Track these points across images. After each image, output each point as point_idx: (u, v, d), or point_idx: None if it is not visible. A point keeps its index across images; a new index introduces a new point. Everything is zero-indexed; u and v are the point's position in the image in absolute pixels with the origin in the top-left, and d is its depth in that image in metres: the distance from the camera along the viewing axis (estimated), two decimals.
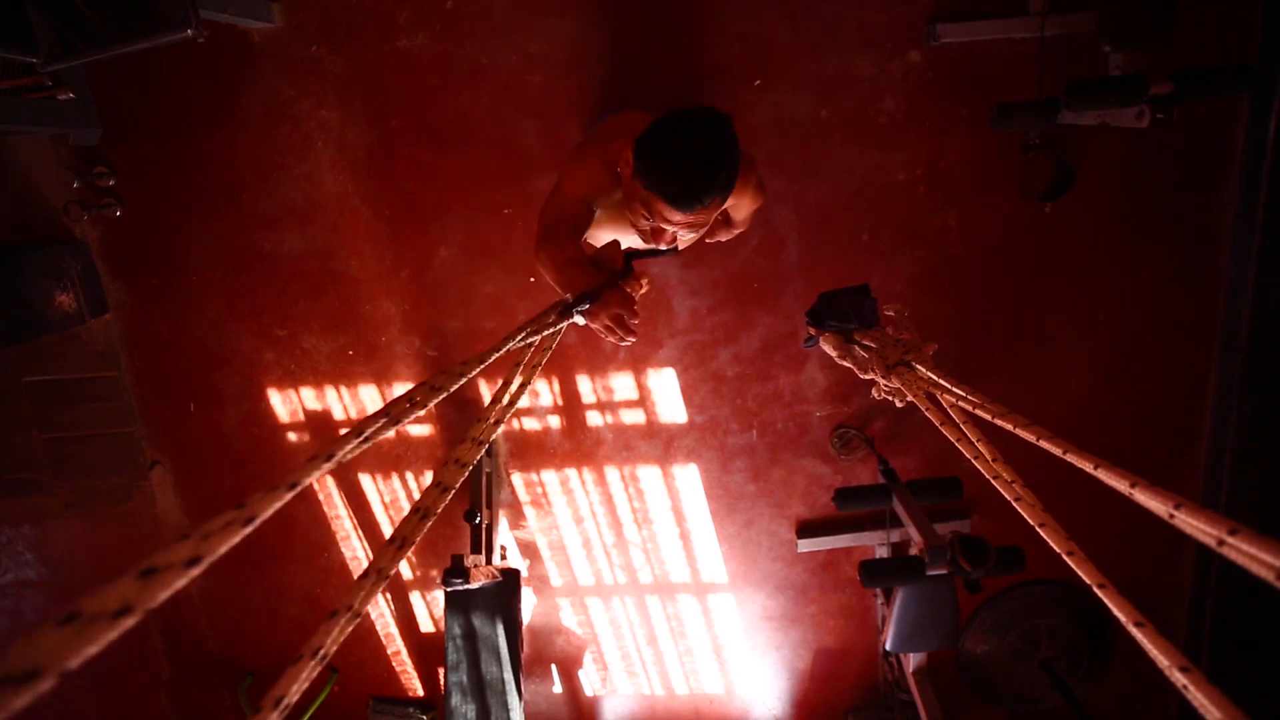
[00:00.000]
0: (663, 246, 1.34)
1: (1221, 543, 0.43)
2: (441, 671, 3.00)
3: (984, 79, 2.33)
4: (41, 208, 2.62)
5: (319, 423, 2.84)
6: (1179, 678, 0.50)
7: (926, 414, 0.90)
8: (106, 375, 2.79)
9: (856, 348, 1.22)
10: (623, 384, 2.73)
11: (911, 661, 2.66)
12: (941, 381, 0.88)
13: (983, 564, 1.90)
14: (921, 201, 2.47)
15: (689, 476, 2.82)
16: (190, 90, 2.51)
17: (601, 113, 2.14)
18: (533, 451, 2.83)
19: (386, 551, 0.62)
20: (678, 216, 1.23)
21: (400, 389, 2.78)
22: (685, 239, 1.35)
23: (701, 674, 3.09)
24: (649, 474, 2.83)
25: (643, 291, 1.30)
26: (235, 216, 2.62)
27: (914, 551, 2.31)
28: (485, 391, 2.77)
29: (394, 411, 0.60)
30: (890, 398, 1.22)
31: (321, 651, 0.51)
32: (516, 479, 2.87)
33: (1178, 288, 2.51)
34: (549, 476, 2.86)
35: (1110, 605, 0.59)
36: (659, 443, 2.79)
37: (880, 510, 2.58)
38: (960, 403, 0.81)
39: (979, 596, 2.21)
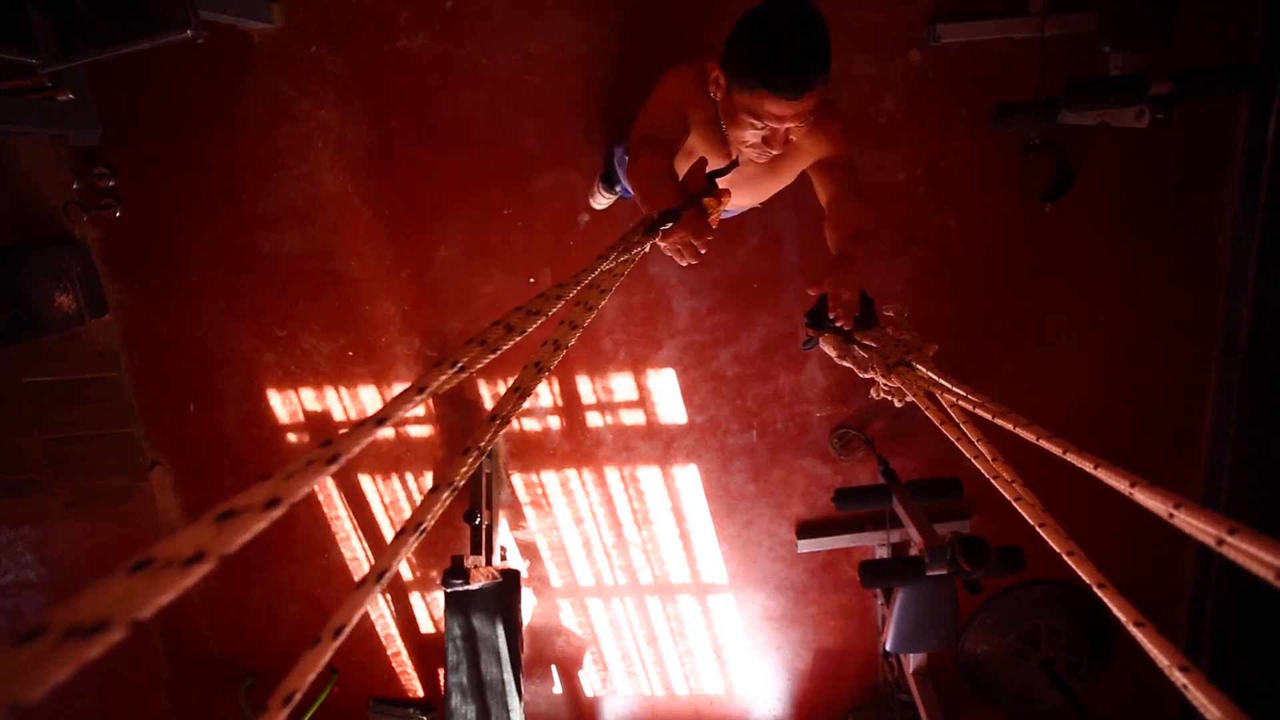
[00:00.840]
0: (775, 150, 1.29)
1: (1221, 542, 0.43)
2: (441, 672, 3.00)
3: (984, 79, 2.33)
4: (41, 208, 2.62)
5: (319, 423, 2.84)
6: (1179, 677, 0.50)
7: (926, 413, 0.90)
8: (106, 376, 2.79)
9: (856, 348, 1.21)
10: (622, 384, 2.73)
11: (911, 661, 2.66)
12: (942, 381, 0.88)
13: (983, 564, 1.90)
14: (921, 201, 2.47)
15: (689, 477, 2.82)
16: (190, 90, 2.51)
17: None
18: (533, 452, 2.83)
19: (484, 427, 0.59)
20: (789, 109, 1.20)
21: (400, 390, 2.78)
22: (795, 135, 1.29)
23: (701, 674, 3.09)
24: (649, 474, 2.83)
25: (720, 211, 1.28)
26: (235, 216, 2.62)
27: (914, 552, 2.31)
28: (485, 392, 2.77)
29: (466, 358, 0.58)
30: (889, 397, 1.21)
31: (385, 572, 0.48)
32: (516, 480, 2.87)
33: (1178, 288, 2.51)
34: (549, 477, 2.86)
35: (1110, 605, 0.59)
36: (659, 443, 2.79)
37: (880, 510, 2.58)
38: (960, 402, 0.81)
39: (979, 596, 2.21)
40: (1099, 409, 2.63)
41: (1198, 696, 0.50)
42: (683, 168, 1.42)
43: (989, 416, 0.71)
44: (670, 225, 1.12)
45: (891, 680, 2.88)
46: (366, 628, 3.09)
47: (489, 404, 2.79)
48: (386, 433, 2.84)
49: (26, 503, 2.93)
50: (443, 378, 0.53)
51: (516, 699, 2.64)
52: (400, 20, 2.41)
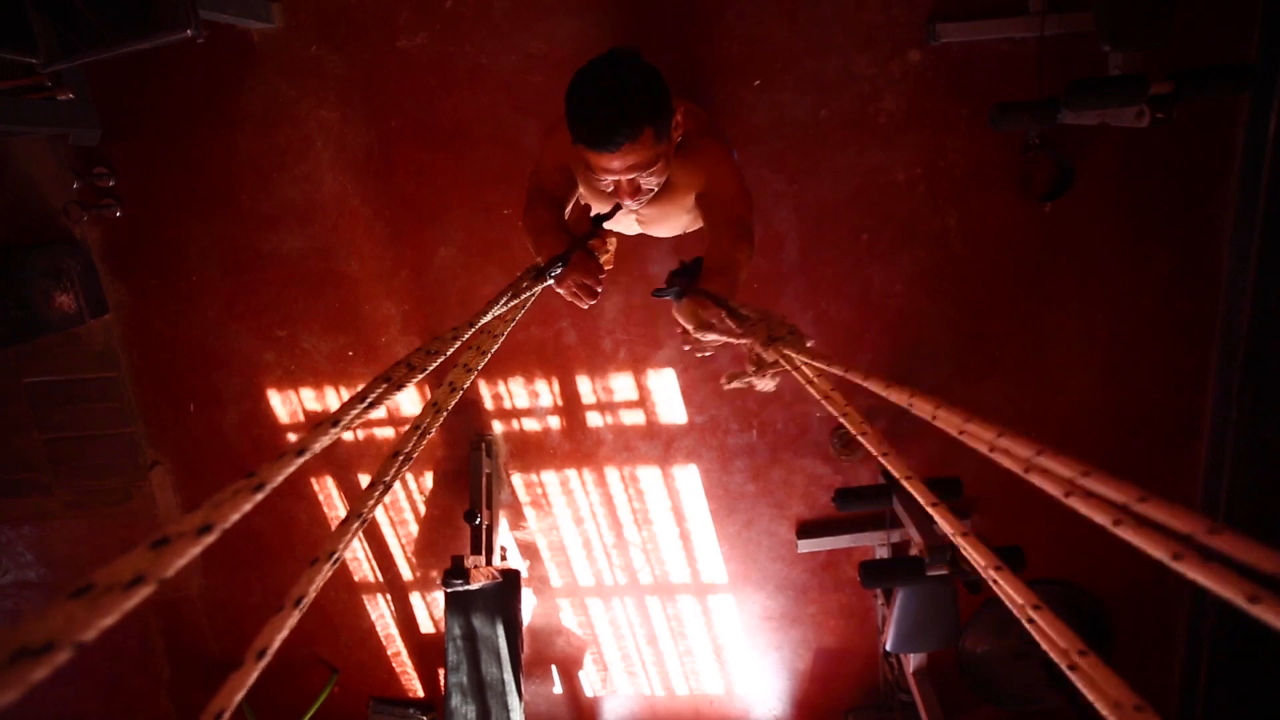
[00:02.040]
0: (629, 202, 1.32)
1: (1118, 522, 0.44)
2: (441, 672, 3.00)
3: (984, 79, 2.33)
4: (41, 208, 2.62)
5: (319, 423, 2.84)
6: (1030, 614, 0.51)
7: (801, 380, 0.92)
8: (106, 376, 2.79)
9: (730, 316, 1.14)
10: (623, 384, 2.73)
11: (911, 661, 2.66)
12: (818, 364, 0.90)
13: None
14: (921, 201, 2.47)
15: (689, 477, 2.82)
16: (190, 90, 2.51)
17: None
18: (533, 452, 2.83)
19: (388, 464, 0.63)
20: (614, 162, 1.23)
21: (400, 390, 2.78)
22: (647, 184, 1.30)
23: (701, 674, 3.09)
24: (649, 474, 2.83)
25: (608, 253, 1.30)
26: (235, 216, 2.62)
27: (914, 552, 2.31)
28: (485, 392, 2.77)
29: (374, 394, 0.61)
30: (746, 382, 1.16)
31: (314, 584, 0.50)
32: (516, 480, 2.87)
33: (1178, 288, 2.51)
34: (549, 477, 2.86)
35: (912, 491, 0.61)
36: (659, 443, 2.79)
37: (880, 511, 2.58)
38: (832, 369, 0.85)
39: (979, 596, 2.21)
40: (1099, 409, 2.63)
41: (1043, 628, 0.51)
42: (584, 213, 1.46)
43: (860, 379, 0.74)
44: (559, 270, 1.16)
45: (891, 680, 2.88)
46: (367, 628, 3.09)
47: (489, 404, 2.79)
48: (386, 433, 2.84)
49: (26, 503, 2.93)
50: (354, 412, 0.58)
51: (516, 699, 2.64)
52: (400, 20, 2.41)
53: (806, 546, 2.82)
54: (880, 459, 0.75)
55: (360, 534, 2.99)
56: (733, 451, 2.78)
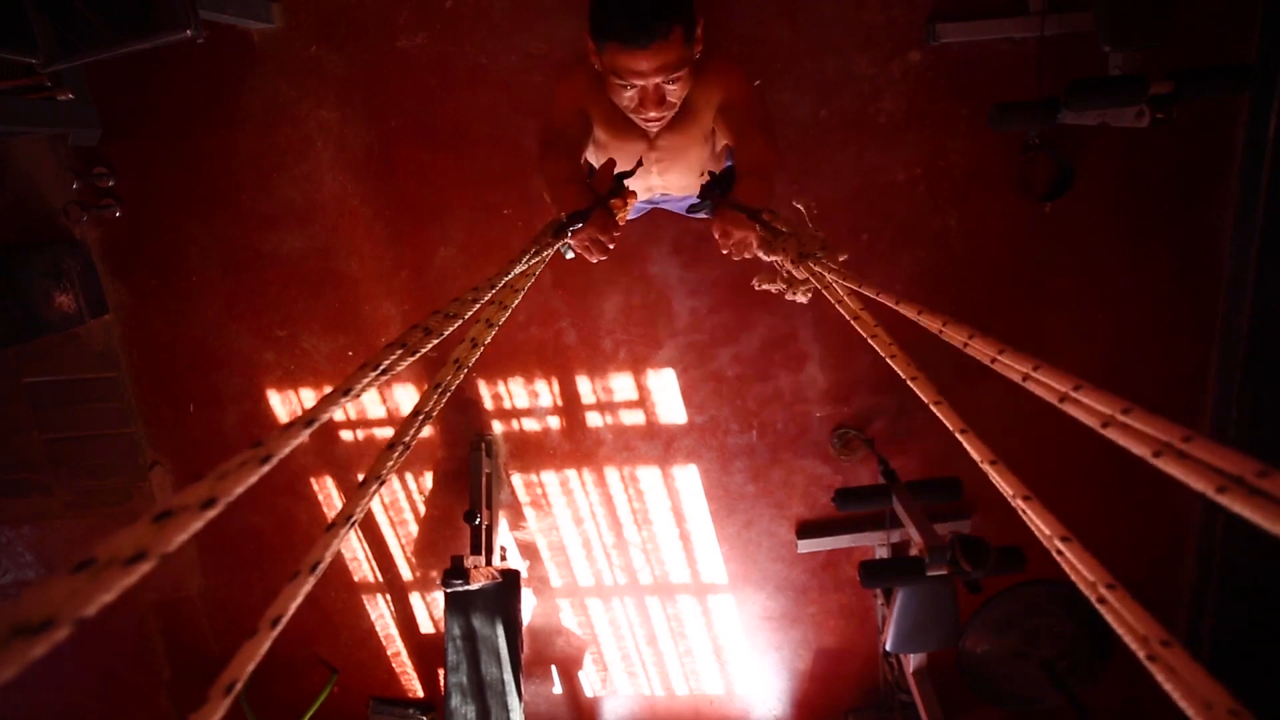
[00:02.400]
0: (653, 114, 1.31)
1: (1106, 424, 0.44)
2: (441, 672, 3.00)
3: (984, 79, 2.33)
4: (41, 208, 2.62)
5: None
6: (1056, 546, 0.51)
7: (831, 299, 0.91)
8: (106, 376, 2.79)
9: (762, 228, 1.13)
10: (622, 384, 2.73)
11: (911, 661, 2.66)
12: (848, 282, 0.90)
13: (983, 564, 1.90)
14: (921, 201, 2.47)
15: (689, 477, 2.82)
16: (190, 90, 2.51)
17: None
18: (532, 452, 2.83)
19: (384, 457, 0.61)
20: (644, 61, 1.21)
21: (400, 389, 2.78)
22: (671, 94, 1.29)
23: (701, 674, 3.09)
24: (649, 474, 2.83)
25: (624, 211, 1.30)
26: (235, 216, 2.62)
27: (914, 552, 2.31)
28: (485, 392, 2.77)
29: (387, 360, 0.59)
30: (778, 287, 1.16)
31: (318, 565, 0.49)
32: (516, 480, 2.87)
33: (1178, 287, 2.51)
34: (549, 477, 2.86)
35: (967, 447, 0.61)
36: (659, 443, 2.79)
37: (880, 510, 2.58)
38: (861, 290, 0.85)
39: (979, 596, 2.21)
40: None
41: (1034, 520, 0.51)
42: (599, 160, 1.43)
43: (891, 303, 0.76)
44: (580, 226, 1.15)
45: (891, 680, 2.88)
46: (367, 628, 3.09)
47: (489, 403, 2.79)
48: (386, 433, 2.84)
49: (26, 503, 2.93)
50: (366, 380, 0.55)
51: (516, 699, 2.64)
52: (400, 20, 2.41)
53: (806, 546, 2.82)
54: (910, 382, 0.74)
55: (360, 534, 2.97)
56: (733, 451, 2.78)
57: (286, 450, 0.40)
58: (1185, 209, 2.44)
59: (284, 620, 0.46)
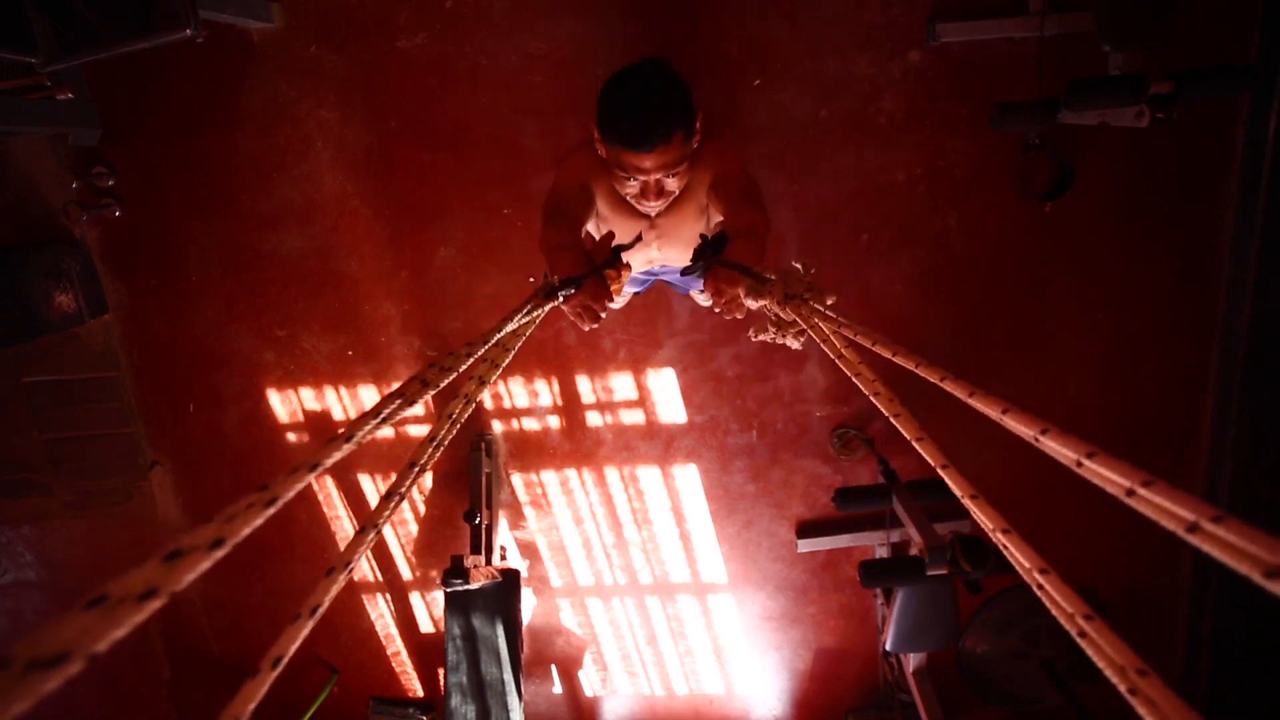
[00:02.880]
0: (653, 203, 1.39)
1: (1132, 493, 0.44)
2: (441, 672, 3.00)
3: (984, 79, 2.33)
4: (41, 208, 2.62)
5: (318, 423, 2.84)
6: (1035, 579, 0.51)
7: (817, 339, 0.93)
8: (106, 376, 2.79)
9: (752, 280, 1.17)
10: (622, 384, 2.73)
11: (911, 661, 2.66)
12: (834, 318, 0.93)
13: (983, 564, 1.90)
14: (921, 201, 2.47)
15: (689, 477, 2.82)
16: (190, 90, 2.51)
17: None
18: (532, 452, 2.83)
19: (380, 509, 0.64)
20: (646, 161, 1.31)
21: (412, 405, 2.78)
22: (670, 186, 1.38)
23: (701, 674, 3.09)
24: (649, 474, 2.83)
25: (619, 283, 1.33)
26: (235, 216, 2.62)
27: (914, 551, 2.31)
28: (485, 392, 2.77)
29: (387, 410, 0.61)
30: (772, 336, 1.19)
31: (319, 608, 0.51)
32: (516, 479, 2.87)
33: (1178, 288, 2.51)
34: (549, 477, 2.86)
35: (976, 513, 0.61)
36: (659, 443, 2.79)
37: (880, 510, 2.58)
38: (842, 330, 0.88)
39: (979, 596, 2.21)
40: (1099, 409, 2.63)
41: (1014, 555, 0.51)
42: (600, 232, 1.52)
43: (869, 344, 0.80)
44: (572, 292, 1.19)
45: (891, 680, 2.88)
46: (367, 628, 3.09)
47: (489, 403, 2.79)
48: (386, 432, 2.84)
49: (26, 503, 2.93)
50: (368, 427, 0.59)
51: (516, 699, 2.64)
52: (400, 20, 2.41)
53: (806, 546, 2.82)
54: (892, 419, 0.75)
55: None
56: (733, 451, 2.78)
57: (291, 493, 0.42)
58: (1185, 209, 2.44)
59: (284, 660, 0.48)
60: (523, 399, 2.77)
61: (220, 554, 0.35)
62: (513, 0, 2.37)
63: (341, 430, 0.54)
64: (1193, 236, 2.46)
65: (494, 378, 0.88)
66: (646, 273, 1.91)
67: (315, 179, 2.57)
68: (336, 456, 0.51)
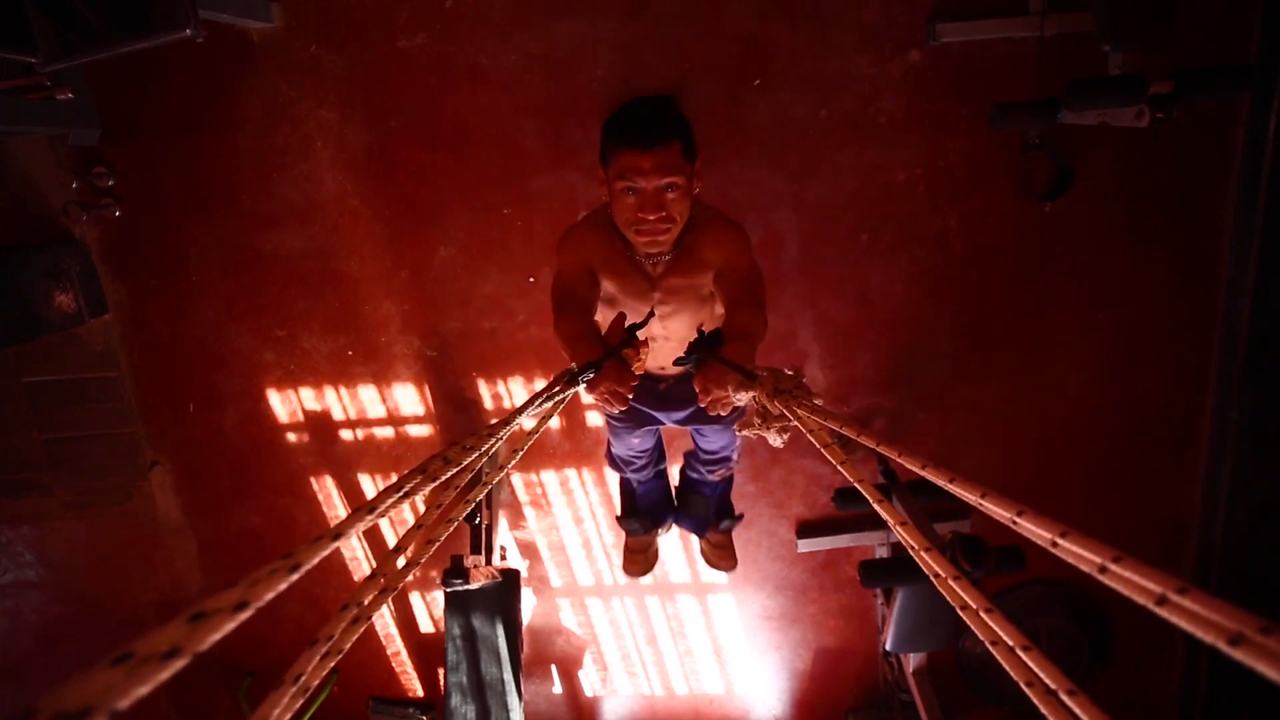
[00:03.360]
0: (652, 219, 1.40)
1: (1104, 570, 0.44)
2: (441, 672, 3.00)
3: (984, 79, 2.33)
4: (41, 208, 2.62)
5: (318, 423, 2.84)
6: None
7: (804, 430, 0.97)
8: (106, 376, 2.79)
9: (742, 377, 1.22)
10: None
11: (911, 661, 2.66)
12: (819, 408, 0.96)
13: (983, 564, 1.90)
14: (921, 201, 2.47)
15: None
16: (190, 90, 2.51)
17: None
18: (533, 452, 2.83)
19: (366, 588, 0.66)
20: (646, 162, 1.33)
21: (400, 389, 2.78)
22: (671, 207, 1.39)
23: (701, 674, 3.09)
24: None
25: (640, 361, 1.37)
26: (235, 216, 2.62)
27: None
28: (485, 392, 2.77)
29: (408, 485, 0.64)
30: (760, 432, 1.21)
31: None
32: (516, 479, 2.87)
33: (1178, 288, 2.51)
34: (549, 477, 2.86)
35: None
36: None
37: None
38: (829, 424, 0.91)
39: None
40: (1099, 409, 2.63)
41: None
42: (608, 316, 1.53)
43: (854, 435, 0.84)
44: (593, 376, 1.22)
45: (891, 680, 2.88)
46: (367, 628, 3.09)
47: (489, 403, 2.79)
48: (386, 432, 2.84)
49: (26, 502, 2.93)
50: (390, 501, 0.60)
51: (516, 699, 2.64)
52: (400, 20, 2.41)
53: (806, 546, 2.82)
54: (875, 506, 0.77)
55: (361, 537, 2.97)
56: None
57: (315, 561, 0.44)
58: (1185, 209, 2.44)
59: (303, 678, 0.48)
60: (522, 399, 2.77)
61: (244, 616, 0.37)
62: (513, 0, 2.37)
63: (366, 502, 0.57)
64: (1192, 236, 2.46)
65: (496, 480, 0.92)
66: (650, 401, 1.83)
67: (315, 179, 2.57)
68: (360, 527, 0.54)
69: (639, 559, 2.48)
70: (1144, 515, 2.74)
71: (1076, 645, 2.77)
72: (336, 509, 2.93)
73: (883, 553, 2.75)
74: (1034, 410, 2.65)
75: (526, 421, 0.98)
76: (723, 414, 1.29)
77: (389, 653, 3.12)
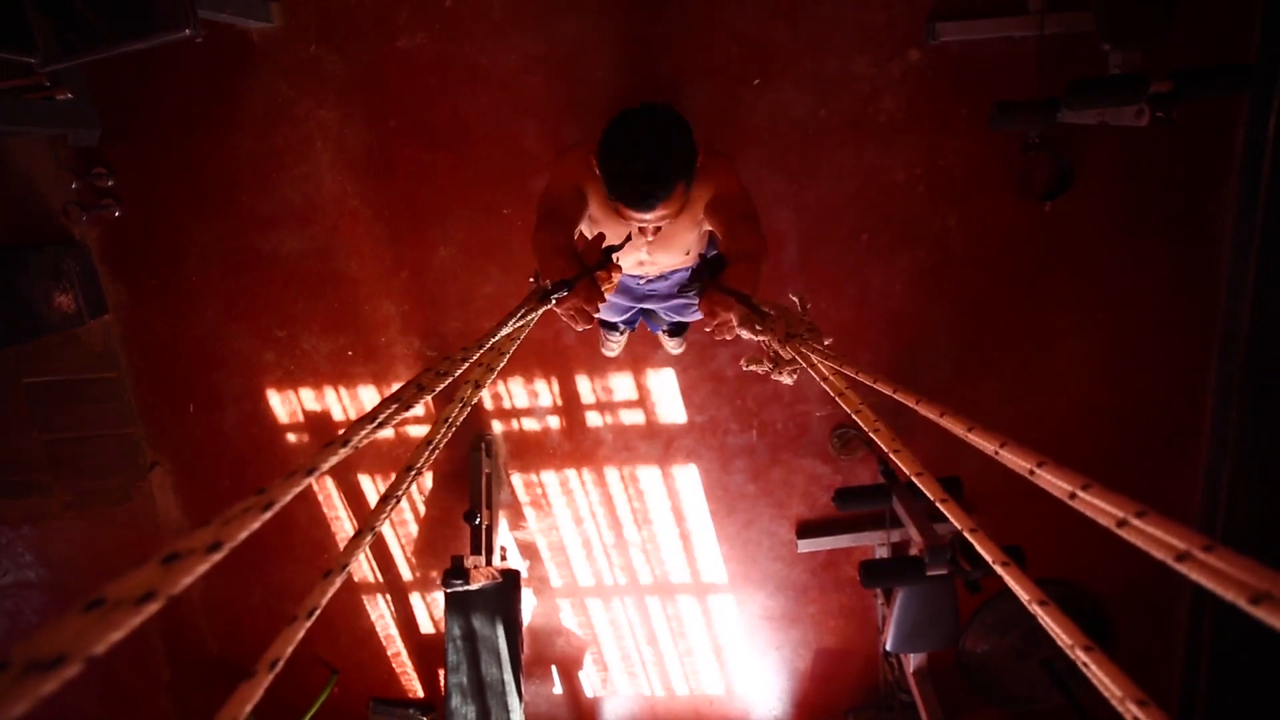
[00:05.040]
0: (649, 237, 1.44)
1: (1123, 523, 0.43)
2: (442, 673, 3.00)
3: (983, 78, 2.33)
4: (40, 208, 2.62)
5: (318, 423, 2.84)
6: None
7: (816, 377, 0.96)
8: (106, 376, 2.79)
9: (752, 311, 1.19)
10: (622, 384, 2.73)
11: (911, 661, 2.66)
12: (832, 361, 0.95)
13: (983, 564, 1.89)
14: (921, 201, 2.47)
15: (689, 477, 2.82)
16: (189, 90, 2.51)
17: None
18: (532, 452, 2.83)
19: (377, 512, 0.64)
20: (646, 217, 1.36)
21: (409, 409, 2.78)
22: (669, 223, 1.42)
23: (701, 674, 3.09)
24: (649, 474, 2.83)
25: (611, 284, 1.37)
26: (235, 217, 2.62)
27: (914, 551, 2.31)
28: (485, 392, 2.77)
29: (384, 415, 0.62)
30: (763, 368, 1.20)
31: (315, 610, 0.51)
32: (516, 480, 2.87)
33: (1177, 287, 2.51)
34: (549, 477, 2.86)
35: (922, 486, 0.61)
36: (659, 443, 2.79)
37: (880, 510, 2.58)
38: (842, 369, 0.90)
39: (979, 596, 2.21)
40: (1099, 409, 2.63)
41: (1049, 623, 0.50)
42: (592, 233, 1.54)
43: (870, 382, 0.80)
44: (565, 294, 1.21)
45: (891, 680, 2.88)
46: (367, 628, 3.09)
47: (489, 403, 2.79)
48: (386, 433, 2.84)
49: (26, 503, 2.93)
50: (364, 431, 0.59)
51: (516, 699, 2.64)
52: (400, 20, 2.41)
53: (806, 546, 2.82)
54: (891, 455, 0.76)
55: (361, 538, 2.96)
56: (733, 451, 2.78)
57: (288, 498, 0.42)
58: (1185, 209, 2.44)
59: (281, 662, 0.48)
60: (523, 399, 2.77)
61: (218, 557, 0.36)
62: (513, 0, 2.37)
63: (339, 434, 0.55)
64: (1192, 236, 2.46)
65: (489, 381, 0.90)
66: (631, 302, 1.92)
67: (315, 179, 2.57)
68: (333, 460, 0.51)
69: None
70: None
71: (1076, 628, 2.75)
72: (337, 509, 2.93)
73: (883, 553, 2.75)
74: (1034, 410, 2.65)
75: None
76: (728, 338, 1.29)
77: (389, 653, 3.12)
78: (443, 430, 0.76)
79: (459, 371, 0.78)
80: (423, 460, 0.73)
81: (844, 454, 2.74)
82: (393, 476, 2.99)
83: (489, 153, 2.51)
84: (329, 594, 0.53)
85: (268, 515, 0.40)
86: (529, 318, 1.11)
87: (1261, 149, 2.25)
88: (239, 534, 0.37)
